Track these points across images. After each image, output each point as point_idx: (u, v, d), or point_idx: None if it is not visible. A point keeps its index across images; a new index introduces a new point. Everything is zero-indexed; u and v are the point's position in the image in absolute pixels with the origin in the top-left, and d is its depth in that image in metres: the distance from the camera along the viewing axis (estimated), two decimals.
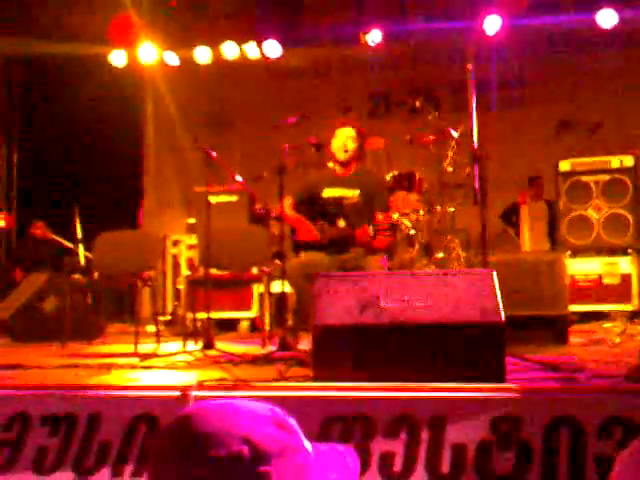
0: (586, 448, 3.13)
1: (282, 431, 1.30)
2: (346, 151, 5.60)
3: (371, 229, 5.24)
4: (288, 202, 5.59)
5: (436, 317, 3.91)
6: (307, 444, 1.35)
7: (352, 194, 5.56)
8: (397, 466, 3.33)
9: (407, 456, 3.34)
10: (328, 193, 5.59)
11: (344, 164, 5.64)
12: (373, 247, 5.36)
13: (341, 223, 5.44)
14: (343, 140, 5.60)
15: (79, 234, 7.80)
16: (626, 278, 7.07)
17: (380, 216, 5.29)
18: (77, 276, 7.17)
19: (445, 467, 3.28)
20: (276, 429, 1.30)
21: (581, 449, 3.14)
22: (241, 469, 1.21)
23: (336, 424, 3.51)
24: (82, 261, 7.72)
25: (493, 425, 3.29)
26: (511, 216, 8.66)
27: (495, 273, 4.03)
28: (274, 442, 1.26)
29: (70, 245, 8.09)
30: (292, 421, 1.36)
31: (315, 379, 3.97)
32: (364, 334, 3.97)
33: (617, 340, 5.60)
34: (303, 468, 1.30)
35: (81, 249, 7.78)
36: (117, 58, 9.69)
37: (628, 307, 6.97)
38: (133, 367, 4.98)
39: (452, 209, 7.31)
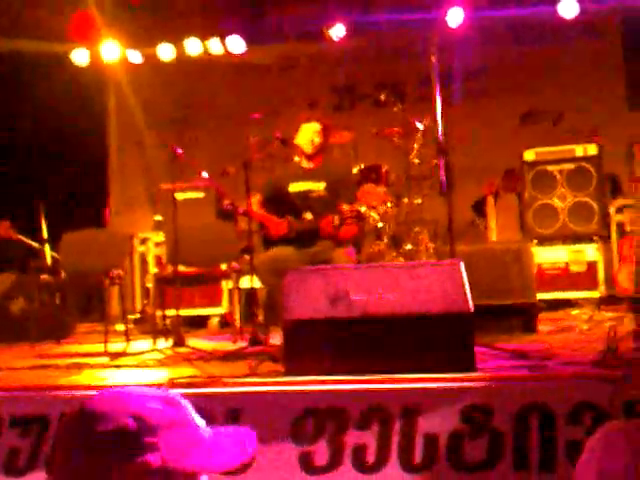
0: (556, 434, 3.17)
1: (171, 407, 1.39)
2: (313, 145, 5.60)
3: (336, 219, 5.24)
4: (256, 199, 5.58)
5: (405, 309, 3.93)
6: (200, 421, 1.43)
7: (318, 187, 5.56)
8: (370, 458, 3.35)
9: (380, 448, 3.36)
10: (294, 187, 5.58)
11: (310, 157, 5.64)
12: (339, 238, 5.36)
13: (308, 216, 5.43)
14: (309, 135, 5.59)
15: (45, 234, 7.72)
16: (592, 265, 7.14)
17: (346, 206, 5.30)
18: (44, 276, 7.09)
19: (418, 457, 3.30)
20: (165, 405, 1.38)
21: (552, 435, 3.18)
22: (128, 440, 1.30)
23: (309, 418, 3.52)
24: (49, 261, 7.64)
25: (464, 414, 3.32)
26: (482, 207, 8.71)
27: (463, 263, 4.05)
28: (162, 416, 1.35)
29: (36, 245, 8.01)
30: (184, 401, 1.44)
31: (286, 374, 3.98)
32: (335, 327, 3.99)
33: (585, 327, 5.67)
34: (193, 442, 1.38)
35: (47, 249, 7.70)
36: (79, 56, 9.58)
37: (595, 294, 7.04)
38: (104, 366, 4.95)
39: (419, 201, 7.34)
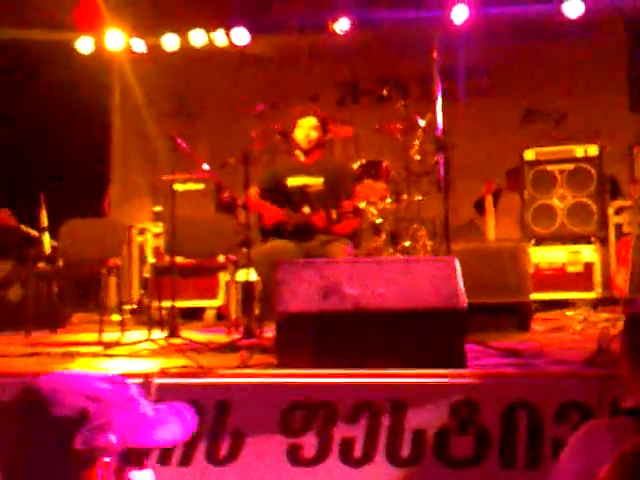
0: (543, 432, 3.18)
1: (118, 387, 1.45)
2: (310, 141, 5.58)
3: (334, 214, 5.24)
4: (254, 191, 5.59)
5: (398, 303, 3.94)
6: (143, 399, 1.50)
7: (316, 182, 5.56)
8: (357, 452, 3.36)
9: (367, 441, 3.37)
10: (292, 182, 5.58)
11: (307, 152, 5.63)
12: (334, 232, 5.36)
13: (306, 209, 5.43)
14: (306, 130, 5.58)
15: (44, 222, 7.73)
16: (589, 266, 7.13)
17: (345, 202, 5.31)
18: (42, 265, 7.11)
19: (405, 452, 3.31)
20: (113, 385, 1.44)
21: (538, 433, 3.19)
22: (86, 422, 1.33)
23: (298, 410, 3.53)
24: (47, 249, 7.65)
25: (452, 410, 3.33)
26: (483, 205, 8.71)
27: (458, 260, 4.06)
28: (112, 396, 1.40)
29: (35, 233, 8.01)
30: (128, 380, 1.51)
31: (278, 366, 3.99)
32: (327, 321, 4.00)
33: (579, 327, 5.67)
34: (141, 419, 1.44)
35: (46, 237, 7.71)
36: (83, 45, 9.58)
37: (591, 295, 7.04)
38: (96, 355, 4.96)
39: (419, 197, 7.33)
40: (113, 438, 1.34)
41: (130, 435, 1.37)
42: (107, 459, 1.34)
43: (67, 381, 1.38)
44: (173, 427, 1.50)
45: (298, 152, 5.71)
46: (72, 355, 4.91)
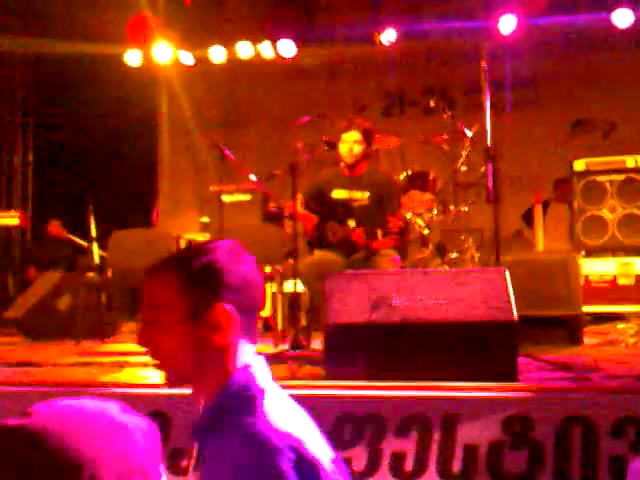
0: (598, 448, 3.12)
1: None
2: (353, 155, 5.58)
3: (380, 233, 5.20)
4: (299, 200, 5.59)
5: (448, 316, 3.90)
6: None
7: (362, 196, 5.55)
8: (408, 465, 3.33)
9: (418, 455, 3.33)
10: (337, 194, 5.58)
11: (352, 166, 5.62)
12: (372, 249, 5.34)
13: (351, 223, 5.42)
14: (349, 145, 5.57)
15: (93, 233, 7.82)
16: None
17: (391, 220, 5.28)
18: (91, 274, 7.19)
19: (456, 467, 3.27)
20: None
21: (594, 449, 3.12)
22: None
23: (348, 423, 3.51)
24: (96, 259, 7.73)
25: (505, 425, 3.28)
26: (531, 216, 8.62)
27: (508, 272, 4.01)
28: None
29: (84, 244, 8.11)
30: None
31: (327, 378, 3.97)
32: (376, 332, 3.97)
33: (631, 341, 5.57)
34: None
35: (95, 247, 7.80)
36: (132, 57, 9.70)
37: None
38: (145, 365, 4.98)
39: (466, 209, 7.27)
40: None
41: None
42: None
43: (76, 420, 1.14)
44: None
45: (343, 164, 5.70)
46: (121, 365, 4.94)
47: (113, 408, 1.18)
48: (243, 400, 1.67)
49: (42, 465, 1.06)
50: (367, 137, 5.62)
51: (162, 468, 1.20)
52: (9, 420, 1.11)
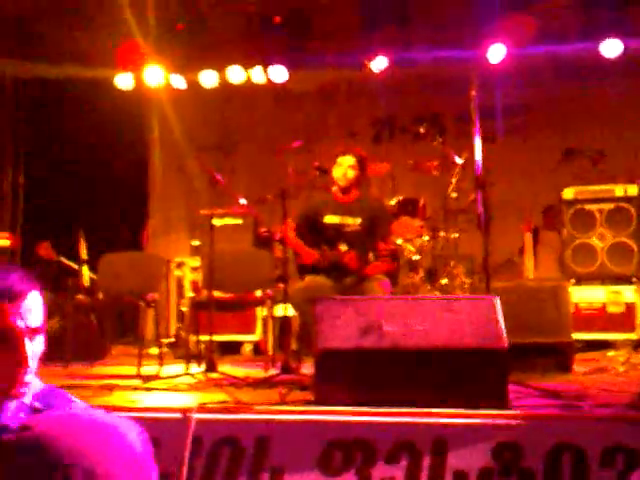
0: (588, 476, 3.12)
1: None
2: (347, 179, 5.61)
3: (372, 257, 5.24)
4: (290, 225, 5.61)
5: (438, 342, 3.91)
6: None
7: (353, 222, 5.58)
8: None
9: None
10: (329, 219, 5.60)
11: (345, 190, 5.66)
12: (364, 273, 5.35)
13: (343, 247, 5.45)
14: (344, 169, 5.61)
15: (84, 255, 7.80)
16: (630, 307, 7.03)
17: (382, 245, 5.31)
18: (81, 297, 7.16)
19: None
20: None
21: (583, 477, 3.12)
22: None
23: (337, 449, 3.50)
24: (86, 282, 7.72)
25: (495, 452, 3.28)
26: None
27: (498, 299, 4.03)
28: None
29: (74, 266, 8.09)
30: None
31: (316, 403, 3.96)
32: (365, 358, 3.97)
33: (621, 369, 5.58)
34: None
35: (85, 270, 7.78)
36: (123, 81, 9.73)
37: (632, 336, 6.93)
38: (135, 389, 4.97)
39: (456, 235, 7.31)
40: None
41: None
42: None
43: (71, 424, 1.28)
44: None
45: (335, 189, 5.73)
46: (110, 388, 4.92)
47: (104, 413, 1.26)
48: None
49: (43, 468, 1.10)
50: (361, 164, 5.67)
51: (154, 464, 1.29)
52: (9, 434, 1.16)
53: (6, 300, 1.61)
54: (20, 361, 1.63)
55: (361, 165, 5.68)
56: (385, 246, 5.32)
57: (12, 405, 1.64)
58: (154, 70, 9.60)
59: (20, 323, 1.63)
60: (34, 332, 1.67)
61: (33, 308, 1.65)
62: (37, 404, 1.69)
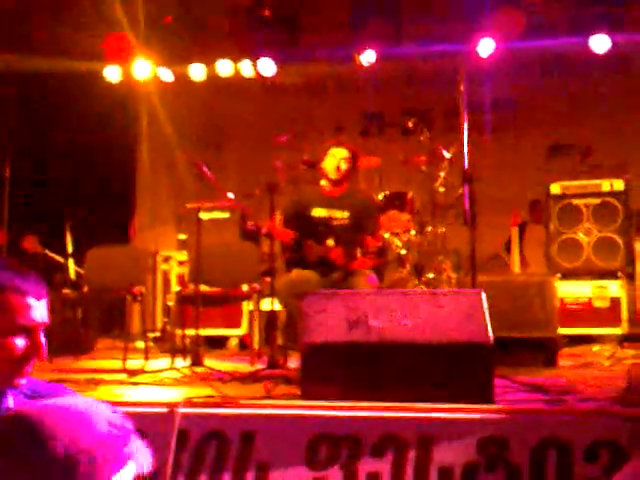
0: (573, 470, 3.12)
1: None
2: (339, 171, 5.60)
3: (359, 252, 5.23)
4: (278, 219, 5.60)
5: (425, 337, 3.91)
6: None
7: (341, 215, 5.56)
8: None
9: (394, 476, 3.32)
10: (317, 213, 5.59)
11: (336, 183, 5.64)
12: (350, 268, 5.34)
13: (330, 242, 5.43)
14: (336, 161, 5.59)
15: (70, 249, 7.77)
16: (616, 302, 7.06)
17: (370, 241, 5.30)
18: (67, 290, 7.13)
19: None
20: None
21: (568, 471, 3.13)
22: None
23: (323, 443, 3.49)
24: (72, 276, 7.69)
25: (480, 446, 3.28)
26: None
27: (484, 294, 4.03)
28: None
29: (61, 260, 8.05)
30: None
31: (302, 397, 3.96)
32: (352, 352, 3.96)
33: (606, 364, 5.60)
34: None
35: (71, 264, 7.75)
36: (111, 74, 9.69)
37: (617, 331, 6.96)
38: (121, 383, 4.96)
39: (443, 230, 7.32)
40: None
41: None
42: None
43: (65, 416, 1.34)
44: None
45: (324, 182, 5.71)
46: (96, 382, 4.90)
47: (85, 399, 1.43)
48: None
49: (36, 450, 1.24)
50: (354, 158, 5.66)
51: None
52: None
53: (34, 298, 1.83)
54: (38, 352, 1.84)
55: (353, 159, 5.67)
56: (373, 242, 5.31)
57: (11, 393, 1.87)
58: (142, 63, 9.57)
59: (41, 319, 1.84)
60: (44, 327, 1.87)
61: (46, 306, 1.87)
62: (29, 392, 1.94)
